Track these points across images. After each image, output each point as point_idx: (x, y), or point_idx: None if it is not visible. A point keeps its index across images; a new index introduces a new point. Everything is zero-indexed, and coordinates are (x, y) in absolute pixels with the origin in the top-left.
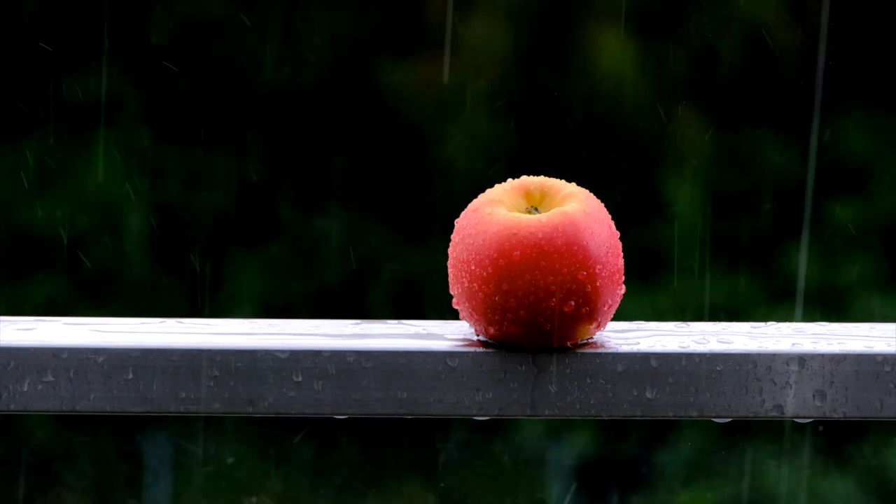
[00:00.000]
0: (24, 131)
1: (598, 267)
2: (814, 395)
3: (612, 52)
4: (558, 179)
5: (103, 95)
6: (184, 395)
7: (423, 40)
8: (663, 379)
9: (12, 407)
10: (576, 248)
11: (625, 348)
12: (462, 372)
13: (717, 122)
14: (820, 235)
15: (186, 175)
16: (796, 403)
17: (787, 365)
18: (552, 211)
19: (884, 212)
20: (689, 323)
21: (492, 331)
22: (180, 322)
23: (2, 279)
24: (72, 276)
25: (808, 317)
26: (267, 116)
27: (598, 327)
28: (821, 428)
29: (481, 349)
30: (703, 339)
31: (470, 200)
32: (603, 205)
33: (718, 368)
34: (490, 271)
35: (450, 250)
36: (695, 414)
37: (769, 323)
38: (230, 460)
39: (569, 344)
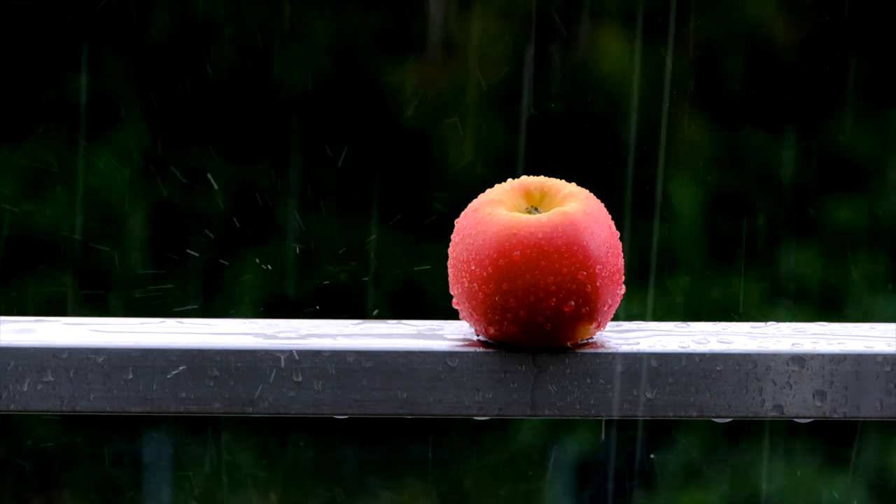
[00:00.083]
0: (24, 131)
1: (598, 267)
2: (814, 395)
3: (613, 51)
4: (558, 179)
5: (103, 95)
6: (184, 395)
7: (423, 40)
8: (663, 379)
9: (12, 407)
10: (576, 248)
11: (625, 348)
12: (462, 372)
13: (717, 122)
14: (820, 235)
15: (187, 175)
16: (796, 403)
17: (787, 365)
18: (552, 211)
19: (884, 212)
20: (689, 323)
21: (492, 331)
22: (180, 322)
23: (2, 279)
24: (72, 276)
25: (808, 317)
26: (267, 116)
27: (598, 327)
28: (821, 428)
29: (481, 349)
30: (703, 339)
31: (470, 200)
32: (603, 205)
33: (718, 368)
34: (490, 271)
35: (450, 250)
36: (695, 414)
37: (769, 323)
38: (230, 460)
39: (569, 344)
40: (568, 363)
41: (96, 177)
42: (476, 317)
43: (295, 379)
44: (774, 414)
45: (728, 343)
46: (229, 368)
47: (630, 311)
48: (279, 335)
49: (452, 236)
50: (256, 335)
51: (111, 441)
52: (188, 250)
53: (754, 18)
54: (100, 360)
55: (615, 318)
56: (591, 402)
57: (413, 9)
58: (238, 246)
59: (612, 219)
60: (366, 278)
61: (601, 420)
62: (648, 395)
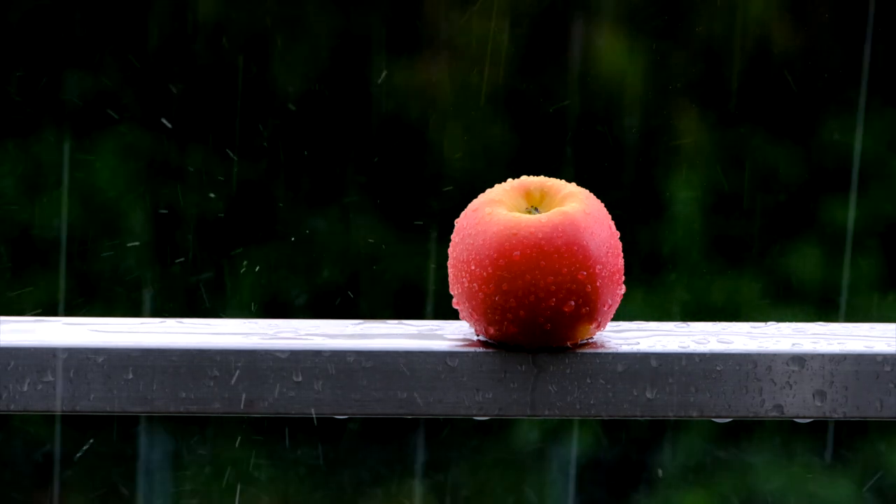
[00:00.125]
0: (24, 131)
1: (598, 267)
2: (814, 395)
3: (613, 51)
4: (558, 179)
5: (103, 95)
6: (184, 395)
7: (423, 40)
8: (663, 379)
9: (12, 407)
10: (576, 248)
11: (625, 348)
12: (462, 372)
13: (717, 121)
14: (820, 235)
15: (187, 174)
16: (796, 403)
17: (787, 365)
18: (552, 211)
19: (884, 212)
20: (689, 323)
21: (492, 331)
22: (180, 322)
23: (2, 279)
24: (72, 276)
25: (808, 317)
26: (267, 116)
27: (598, 327)
28: (820, 428)
29: (481, 349)
30: (703, 339)
31: (470, 200)
32: (603, 205)
33: (718, 368)
34: (490, 271)
35: (450, 250)
36: (695, 414)
37: (769, 323)
38: (230, 460)
39: (569, 344)
40: (568, 363)
41: (97, 177)
42: (476, 317)
43: (295, 379)
44: (774, 414)
45: (728, 343)
46: (229, 368)
47: (630, 311)
48: (279, 335)
49: (452, 236)
50: (256, 335)
51: (111, 441)
52: (188, 250)
53: (755, 18)
54: (100, 360)
55: (615, 318)
56: (591, 402)
57: (413, 8)
58: (238, 246)
59: (612, 219)
60: (366, 278)
61: (601, 420)
62: (648, 395)
